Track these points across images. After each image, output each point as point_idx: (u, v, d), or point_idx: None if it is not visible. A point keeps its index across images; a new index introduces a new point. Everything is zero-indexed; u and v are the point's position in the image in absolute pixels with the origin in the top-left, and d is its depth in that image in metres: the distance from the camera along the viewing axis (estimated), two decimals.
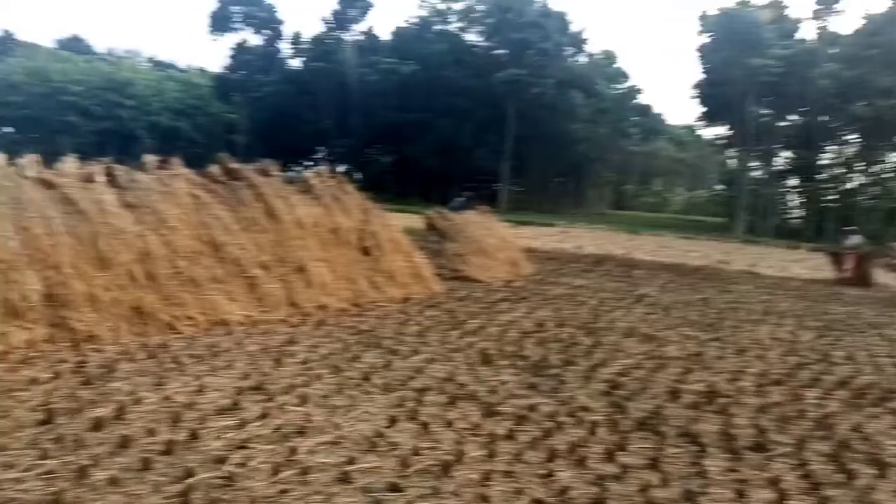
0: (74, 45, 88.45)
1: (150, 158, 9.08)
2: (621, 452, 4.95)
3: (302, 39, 69.76)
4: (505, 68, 58.55)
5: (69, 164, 8.03)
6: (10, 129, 77.87)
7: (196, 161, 10.33)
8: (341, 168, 61.49)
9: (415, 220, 22.81)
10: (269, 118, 67.60)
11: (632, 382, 6.85)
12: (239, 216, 9.26)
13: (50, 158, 8.36)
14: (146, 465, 4.16)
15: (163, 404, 5.37)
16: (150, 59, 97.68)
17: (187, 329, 7.82)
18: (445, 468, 4.38)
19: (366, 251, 11.12)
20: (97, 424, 4.76)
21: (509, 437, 5.08)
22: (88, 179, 8.08)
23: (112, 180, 8.30)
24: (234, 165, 9.99)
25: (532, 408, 5.77)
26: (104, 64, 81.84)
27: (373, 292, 10.71)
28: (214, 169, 9.77)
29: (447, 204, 18.97)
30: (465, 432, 5.12)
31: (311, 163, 75.06)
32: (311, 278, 9.63)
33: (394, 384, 6.30)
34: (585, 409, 5.88)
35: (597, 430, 5.34)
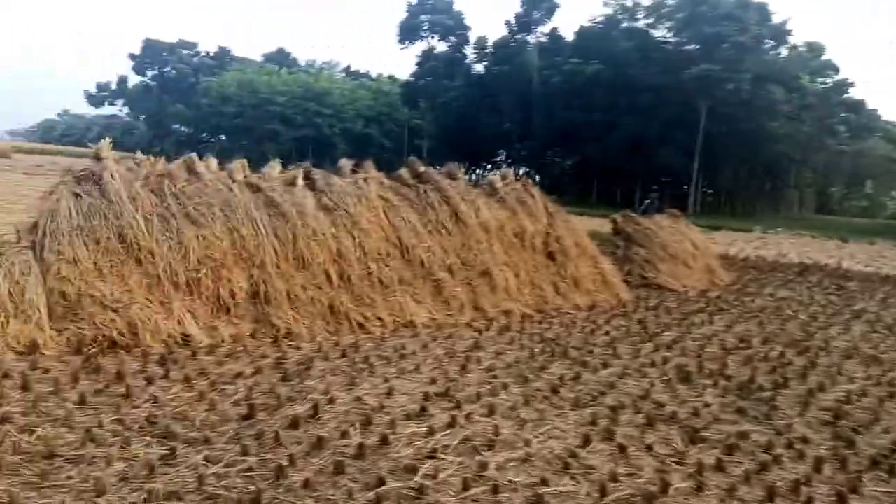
0: (280, 59, 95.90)
1: (344, 162, 9.38)
2: (854, 496, 4.30)
3: (486, 44, 70.59)
4: (696, 64, 55.65)
5: (273, 168, 8.46)
6: (222, 137, 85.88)
7: (385, 165, 10.59)
8: (521, 171, 61.92)
9: (596, 223, 22.26)
10: (453, 122, 69.15)
11: (858, 412, 6.01)
12: (426, 219, 9.32)
13: (256, 164, 8.88)
14: (339, 469, 4.15)
15: (354, 405, 5.41)
16: (346, 70, 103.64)
17: (376, 329, 7.96)
18: (649, 499, 4.00)
19: (551, 256, 10.84)
20: (294, 422, 4.86)
21: (719, 468, 4.57)
22: (290, 183, 8.47)
23: (310, 183, 8.64)
24: (423, 169, 10.09)
25: (742, 435, 5.19)
26: (305, 75, 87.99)
27: (557, 299, 10.40)
28: (404, 172, 9.92)
29: (635, 206, 18.14)
30: (668, 459, 4.68)
31: (491, 166, 76.31)
32: (495, 283, 9.51)
33: (585, 399, 5.97)
34: (805, 440, 5.21)
35: (822, 467, 4.68)
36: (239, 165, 7.99)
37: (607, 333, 8.92)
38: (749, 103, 55.69)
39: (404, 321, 8.28)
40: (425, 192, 9.63)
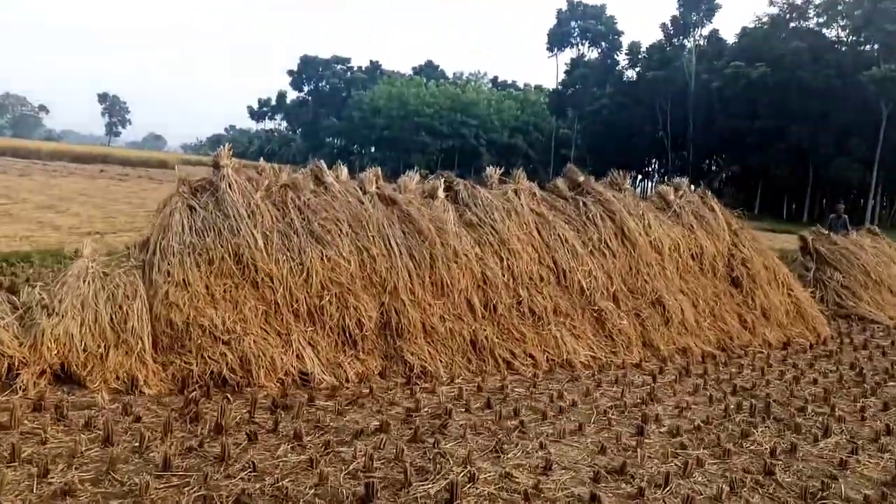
0: (428, 71, 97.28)
1: (491, 171, 8.17)
2: None
3: (639, 49, 67.66)
4: (875, 65, 50.24)
5: (410, 178, 7.40)
6: (372, 149, 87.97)
7: (531, 176, 9.27)
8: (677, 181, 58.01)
9: (764, 238, 19.71)
10: (602, 131, 66.74)
11: None
12: (586, 238, 7.92)
13: (402, 175, 7.84)
14: None
15: (503, 484, 4.14)
16: (492, 80, 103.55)
17: (527, 369, 6.66)
18: None
19: (735, 282, 9.07)
20: None
21: None
22: (429, 195, 7.37)
23: (452, 196, 7.50)
24: (582, 178, 8.69)
25: None
26: (452, 86, 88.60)
27: (744, 334, 8.63)
28: (560, 182, 8.57)
29: (826, 221, 15.67)
30: None
31: (642, 177, 72.91)
32: (669, 314, 7.93)
33: (812, 487, 4.36)
34: None
35: None
36: (371, 175, 6.98)
37: (815, 382, 7.14)
38: None
39: (560, 360, 6.92)
40: (585, 205, 8.22)
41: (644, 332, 7.68)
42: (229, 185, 6.26)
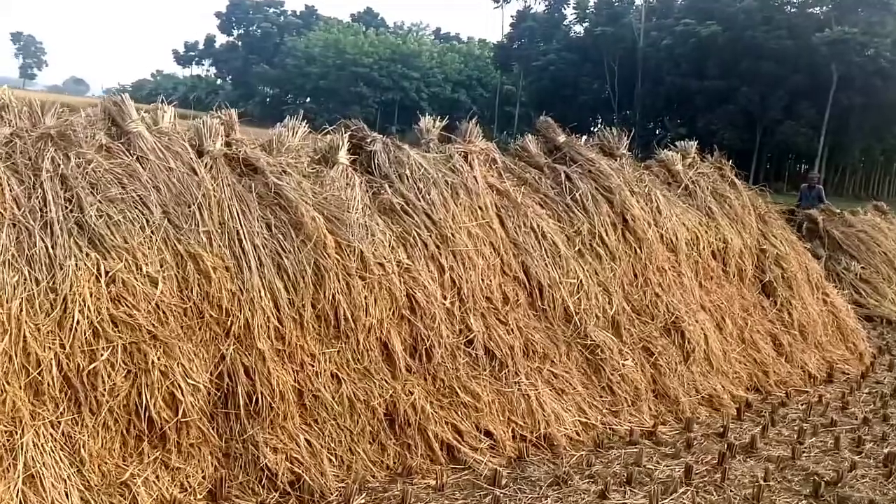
0: (367, 19, 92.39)
1: (428, 124, 5.22)
2: None
3: (588, 4, 64.91)
4: (828, 26, 48.81)
5: (290, 129, 4.42)
6: (307, 99, 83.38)
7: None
8: None
9: None
10: (548, 87, 63.99)
11: None
12: (572, 229, 5.13)
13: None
14: None
15: None
16: (435, 32, 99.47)
17: (481, 459, 3.91)
18: None
19: (765, 289, 6.48)
20: None
21: None
22: (324, 160, 4.43)
23: (363, 160, 4.58)
24: (562, 138, 5.86)
25: None
26: (393, 36, 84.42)
27: (780, 364, 6.07)
28: (531, 143, 5.71)
29: (770, 188, 12.50)
30: None
31: (586, 136, 70.17)
32: (689, 345, 5.27)
33: None
34: None
35: None
36: (215, 122, 3.99)
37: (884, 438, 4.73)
38: (887, 72, 48.39)
39: (535, 435, 4.20)
40: (569, 179, 5.39)
41: (656, 377, 4.99)
42: None
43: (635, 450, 4.27)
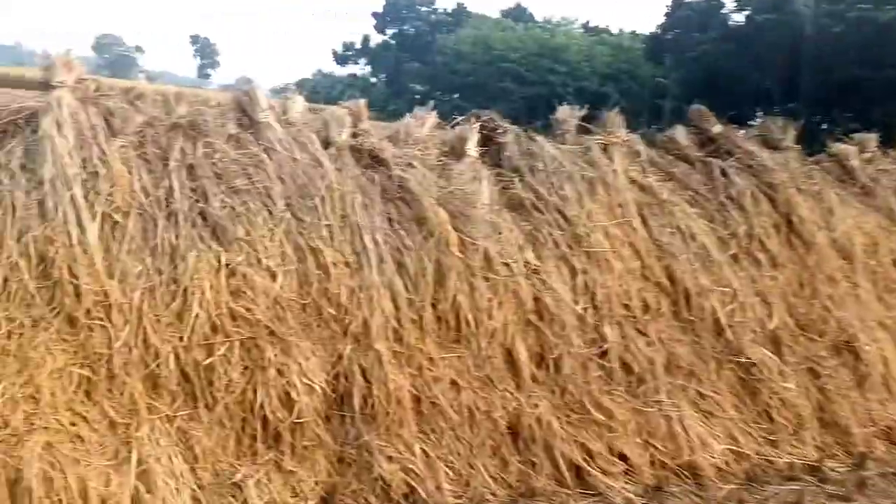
0: (517, 14, 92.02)
1: (566, 114, 4.85)
2: None
3: None
4: None
5: (419, 119, 4.23)
6: (455, 96, 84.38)
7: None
8: None
9: None
10: (702, 79, 60.53)
11: None
12: (727, 232, 4.60)
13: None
14: None
15: None
16: (584, 25, 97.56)
17: (614, 484, 3.54)
18: None
19: None
20: None
21: None
22: (453, 151, 4.20)
23: (493, 153, 4.31)
24: (718, 129, 5.30)
25: None
26: (541, 31, 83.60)
27: None
28: (679, 135, 5.20)
29: None
30: None
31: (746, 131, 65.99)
32: (865, 368, 4.58)
33: None
34: None
35: None
36: (345, 115, 3.85)
37: None
38: None
39: (678, 462, 3.76)
40: (725, 174, 4.85)
41: (824, 403, 4.37)
42: (58, 124, 3.27)
43: (796, 487, 3.73)
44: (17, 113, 3.41)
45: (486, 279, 3.62)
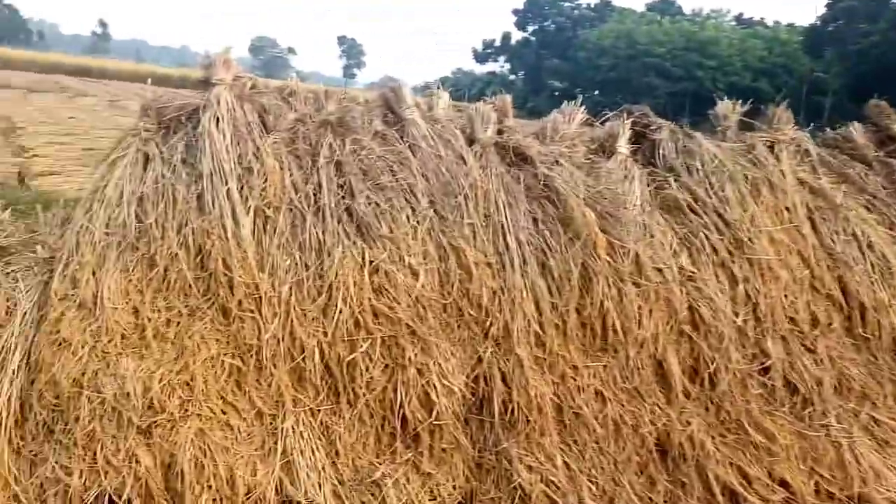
0: (663, 7, 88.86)
1: (725, 107, 4.51)
2: None
3: None
4: None
5: (567, 115, 4.05)
6: (596, 92, 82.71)
7: None
8: None
9: None
10: (869, 73, 55.99)
11: None
12: None
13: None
14: None
15: None
16: (736, 18, 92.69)
17: None
18: None
19: None
20: None
21: None
22: (602, 149, 4.00)
23: (646, 151, 4.07)
24: None
25: None
26: (689, 24, 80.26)
27: None
28: (856, 132, 4.71)
29: None
30: None
31: None
32: None
33: None
34: None
35: None
36: (487, 108, 3.76)
37: None
38: None
39: (846, 493, 3.40)
40: None
41: None
42: (216, 119, 3.39)
43: None
44: (180, 109, 3.55)
45: (636, 285, 3.41)
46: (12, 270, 3.25)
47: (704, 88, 71.10)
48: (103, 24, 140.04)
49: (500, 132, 3.79)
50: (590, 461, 3.26)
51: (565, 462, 3.21)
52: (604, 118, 4.20)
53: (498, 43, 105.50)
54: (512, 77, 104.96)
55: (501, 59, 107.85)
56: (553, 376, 3.27)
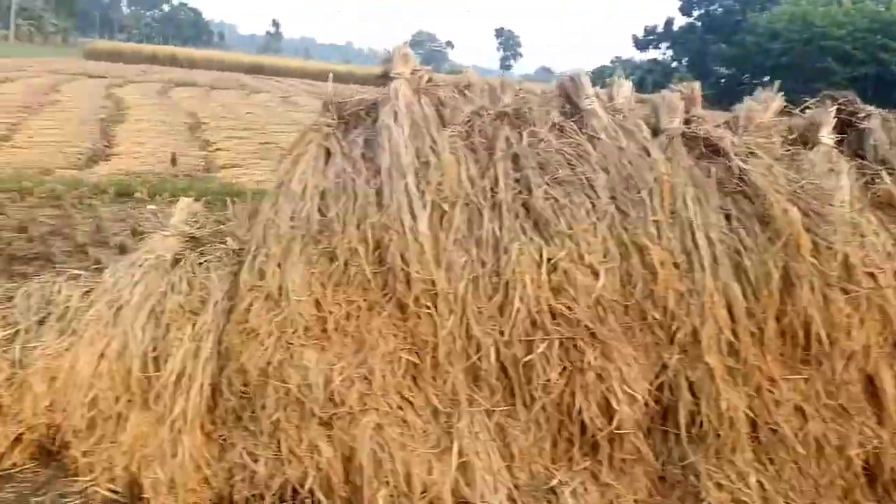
0: None
1: None
2: None
3: None
4: None
5: (762, 102, 3.71)
6: (765, 78, 77.65)
7: None
8: None
9: None
10: None
11: None
12: None
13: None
14: None
15: None
16: None
17: None
18: None
19: None
20: None
21: None
22: (803, 139, 3.63)
23: (853, 141, 3.65)
24: None
25: None
26: (873, 3, 73.44)
27: None
28: None
29: None
30: None
31: None
32: None
33: None
34: None
35: None
36: (677, 100, 3.51)
37: None
38: None
39: None
40: None
41: None
42: (395, 114, 3.39)
43: None
44: (359, 104, 3.59)
45: (845, 291, 3.05)
46: (205, 261, 3.41)
47: (889, 73, 64.88)
48: (276, 24, 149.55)
49: (687, 122, 3.53)
50: (787, 483, 2.96)
51: (759, 482, 2.94)
52: (803, 106, 3.81)
53: (660, 29, 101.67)
54: (674, 64, 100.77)
55: (664, 45, 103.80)
56: (747, 388, 3.00)
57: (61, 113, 16.06)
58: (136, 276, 3.34)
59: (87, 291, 3.47)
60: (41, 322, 3.34)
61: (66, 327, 3.24)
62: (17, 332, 3.28)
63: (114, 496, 2.91)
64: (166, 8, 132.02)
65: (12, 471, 3.02)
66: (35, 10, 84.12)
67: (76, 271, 3.82)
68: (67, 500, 2.88)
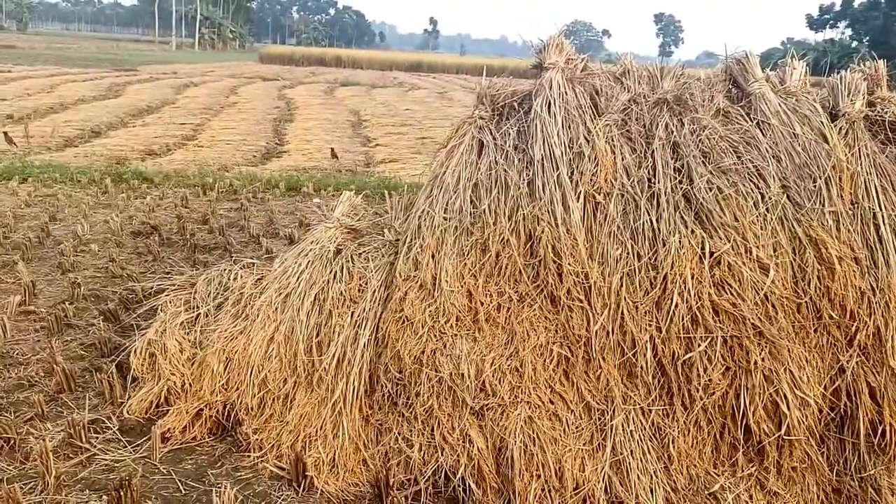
0: None
1: None
2: None
3: None
4: None
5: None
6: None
7: None
8: None
9: None
10: None
11: None
12: None
13: None
14: None
15: None
16: None
17: None
18: None
19: None
20: None
21: None
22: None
23: None
24: None
25: None
26: None
27: None
28: None
29: None
30: None
31: None
32: None
33: None
34: None
35: None
36: (859, 80, 3.19)
37: None
38: None
39: None
40: None
41: None
42: (548, 104, 3.34)
43: None
44: (513, 96, 3.57)
45: None
46: (364, 251, 3.54)
47: None
48: (433, 22, 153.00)
49: (870, 105, 3.22)
50: None
51: None
52: None
53: (838, 7, 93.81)
54: (854, 44, 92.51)
55: (842, 24, 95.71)
56: None
57: (239, 114, 17.31)
58: (302, 265, 3.53)
59: (260, 279, 3.71)
60: (219, 306, 3.61)
61: (240, 311, 3.48)
62: (198, 316, 3.57)
63: (280, 471, 3.09)
64: (332, 12, 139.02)
65: (193, 444, 3.28)
66: (216, 19, 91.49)
67: (250, 260, 4.09)
68: (240, 474, 3.09)
